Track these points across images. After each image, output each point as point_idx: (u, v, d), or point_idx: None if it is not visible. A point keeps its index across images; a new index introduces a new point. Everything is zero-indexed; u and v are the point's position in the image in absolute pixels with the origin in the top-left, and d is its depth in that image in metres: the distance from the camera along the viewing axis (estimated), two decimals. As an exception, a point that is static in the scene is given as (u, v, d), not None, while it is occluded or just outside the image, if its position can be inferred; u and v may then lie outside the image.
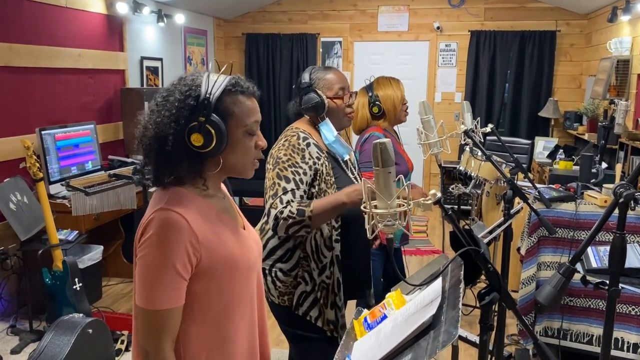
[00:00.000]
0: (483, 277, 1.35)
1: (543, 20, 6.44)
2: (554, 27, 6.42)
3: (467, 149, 3.21)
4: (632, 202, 1.40)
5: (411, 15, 6.79)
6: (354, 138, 2.87)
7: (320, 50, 7.04)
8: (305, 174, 1.86)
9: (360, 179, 2.11)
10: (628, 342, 2.82)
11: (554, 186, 3.35)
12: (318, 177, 1.89)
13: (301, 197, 1.84)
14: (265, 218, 1.86)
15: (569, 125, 6.17)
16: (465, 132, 2.42)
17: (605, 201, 2.98)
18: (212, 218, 1.25)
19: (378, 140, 1.26)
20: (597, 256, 2.85)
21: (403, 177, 1.35)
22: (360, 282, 2.10)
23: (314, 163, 1.89)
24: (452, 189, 3.76)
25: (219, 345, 1.27)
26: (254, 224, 1.57)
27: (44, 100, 4.05)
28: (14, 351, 3.20)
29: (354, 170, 2.11)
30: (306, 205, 1.78)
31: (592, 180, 3.46)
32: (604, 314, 1.51)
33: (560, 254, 3.01)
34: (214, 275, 1.23)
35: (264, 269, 1.93)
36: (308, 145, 1.90)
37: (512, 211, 2.55)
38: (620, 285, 1.47)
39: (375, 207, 1.28)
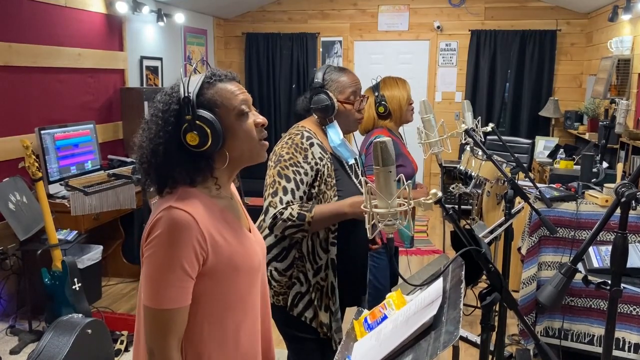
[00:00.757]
0: (484, 276, 1.34)
1: (543, 20, 6.43)
2: (555, 26, 6.41)
3: (468, 148, 3.19)
4: (634, 201, 1.39)
5: (411, 15, 6.78)
6: (359, 138, 2.86)
7: (321, 49, 7.04)
8: (306, 174, 1.85)
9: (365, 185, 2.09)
10: (629, 342, 2.81)
11: (554, 186, 3.34)
12: (319, 178, 1.88)
13: (301, 197, 1.83)
14: (264, 215, 1.85)
15: (570, 124, 6.16)
16: (466, 132, 2.41)
17: (607, 201, 2.97)
18: (217, 217, 1.25)
19: (378, 139, 1.25)
20: (599, 256, 2.84)
21: (404, 177, 1.33)
22: (356, 289, 2.08)
23: (316, 164, 1.87)
24: (453, 188, 3.74)
25: (219, 346, 1.26)
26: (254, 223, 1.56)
27: (43, 100, 4.04)
28: (14, 351, 3.19)
29: (358, 174, 2.08)
30: (307, 210, 1.77)
31: (593, 180, 3.45)
32: (605, 314, 1.50)
33: (561, 253, 3.01)
34: (216, 276, 1.22)
35: None
36: (311, 145, 1.88)
37: (513, 211, 2.54)
38: (622, 285, 1.46)
39: (376, 206, 1.27)
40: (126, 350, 3.22)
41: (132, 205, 3.95)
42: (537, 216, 2.47)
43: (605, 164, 4.43)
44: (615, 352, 2.80)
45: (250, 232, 1.37)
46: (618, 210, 1.41)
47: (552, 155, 5.77)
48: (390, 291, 1.58)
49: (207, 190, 1.26)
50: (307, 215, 1.76)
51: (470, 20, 6.64)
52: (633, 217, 2.91)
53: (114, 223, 4.31)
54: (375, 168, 1.26)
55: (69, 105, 4.34)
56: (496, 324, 2.55)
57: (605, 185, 3.09)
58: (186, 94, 1.21)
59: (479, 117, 2.74)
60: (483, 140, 2.59)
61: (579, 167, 4.03)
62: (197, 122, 1.20)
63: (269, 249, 1.92)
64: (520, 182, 2.98)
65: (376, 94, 2.74)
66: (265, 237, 1.94)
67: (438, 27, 6.70)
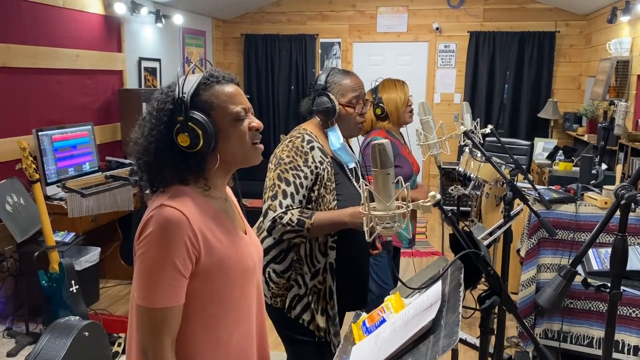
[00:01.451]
0: (483, 279, 1.33)
1: (542, 21, 6.43)
2: (554, 27, 6.41)
3: (467, 150, 3.19)
4: (633, 203, 1.38)
5: (410, 16, 6.78)
6: (359, 138, 2.87)
7: (319, 51, 7.03)
8: (306, 178, 1.84)
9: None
10: (629, 345, 2.81)
11: (553, 187, 3.33)
12: (318, 182, 1.87)
13: (300, 201, 1.83)
14: (263, 218, 1.84)
15: (569, 126, 6.16)
16: (465, 133, 2.41)
17: (606, 202, 2.97)
18: (210, 216, 1.24)
19: (376, 142, 1.24)
20: (598, 258, 2.83)
21: (402, 179, 1.33)
22: (356, 294, 2.05)
23: (316, 167, 1.87)
24: (452, 190, 3.74)
25: (212, 348, 1.25)
26: (252, 225, 1.55)
27: (41, 101, 4.03)
28: (10, 354, 3.18)
29: (359, 178, 2.07)
30: (307, 217, 1.77)
31: (592, 182, 3.44)
32: (604, 316, 1.50)
33: (560, 255, 3.00)
34: (208, 276, 1.21)
35: None
36: (312, 148, 1.88)
37: (512, 213, 2.54)
38: (622, 288, 1.45)
39: (374, 209, 1.26)
40: (123, 352, 3.20)
41: (129, 207, 3.93)
42: (536, 218, 2.47)
43: (604, 166, 4.43)
44: (615, 355, 2.80)
45: (245, 234, 1.36)
46: (618, 212, 1.41)
47: (551, 156, 5.77)
48: (392, 290, 1.58)
49: (200, 189, 1.26)
50: (307, 222, 1.76)
51: (469, 21, 6.64)
52: (633, 219, 2.90)
53: (111, 225, 4.30)
54: (374, 170, 1.25)
55: (67, 107, 4.32)
56: (495, 326, 2.54)
57: (605, 187, 3.09)
58: (180, 95, 1.20)
59: (478, 119, 2.74)
60: (482, 141, 2.58)
61: (578, 168, 4.03)
62: (190, 123, 1.19)
63: (268, 250, 1.91)
64: (519, 184, 2.97)
65: (374, 96, 2.76)
66: (263, 239, 1.93)
67: (437, 29, 6.70)
